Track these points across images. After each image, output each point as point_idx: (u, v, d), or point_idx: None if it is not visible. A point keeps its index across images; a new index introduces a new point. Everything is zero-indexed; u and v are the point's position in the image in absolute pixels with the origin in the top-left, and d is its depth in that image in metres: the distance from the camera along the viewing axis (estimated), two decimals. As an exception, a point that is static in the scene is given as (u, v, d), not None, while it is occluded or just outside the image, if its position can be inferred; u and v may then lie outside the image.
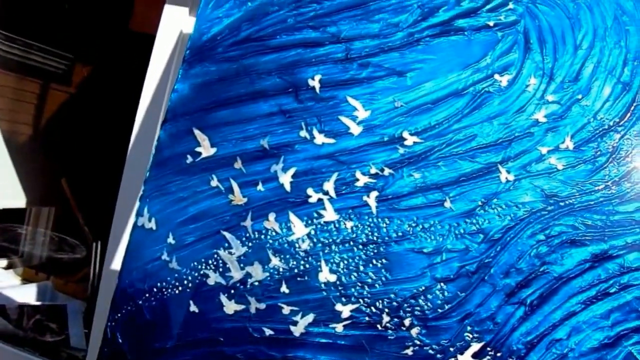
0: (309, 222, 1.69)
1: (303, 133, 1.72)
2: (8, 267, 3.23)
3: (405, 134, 1.73)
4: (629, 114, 1.82)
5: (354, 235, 1.69)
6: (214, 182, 1.71)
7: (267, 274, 1.69)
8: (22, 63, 3.48)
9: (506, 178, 1.73)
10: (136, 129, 2.81)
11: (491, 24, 1.84)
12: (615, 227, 1.75)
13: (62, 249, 3.29)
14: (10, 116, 3.44)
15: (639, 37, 1.89)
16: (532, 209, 1.73)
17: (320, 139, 1.71)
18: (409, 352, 1.69)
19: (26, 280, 3.11)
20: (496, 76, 1.79)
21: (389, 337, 1.69)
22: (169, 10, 2.80)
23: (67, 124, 3.78)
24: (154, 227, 1.72)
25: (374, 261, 1.69)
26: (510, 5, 1.86)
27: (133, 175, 2.66)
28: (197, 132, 1.73)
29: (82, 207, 3.30)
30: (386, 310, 1.68)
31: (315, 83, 1.74)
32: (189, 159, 1.72)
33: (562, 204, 1.74)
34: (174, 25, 2.78)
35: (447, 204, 1.71)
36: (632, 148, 1.80)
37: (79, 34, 3.87)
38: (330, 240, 1.69)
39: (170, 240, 1.71)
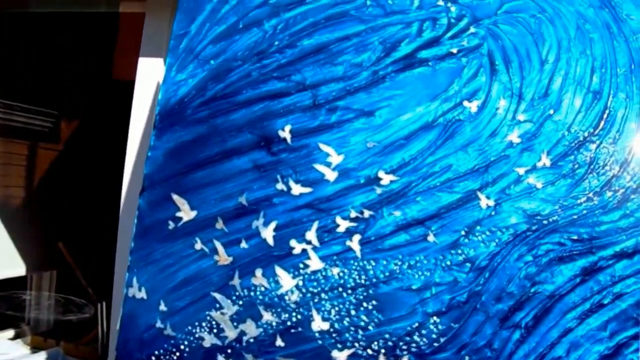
0: (296, 273, 1.73)
1: (280, 185, 1.76)
2: (16, 337, 3.28)
3: (381, 174, 1.76)
4: (602, 122, 1.84)
5: (342, 281, 1.72)
6: (198, 245, 1.75)
7: (261, 329, 1.72)
8: (6, 125, 3.53)
9: (487, 204, 1.76)
10: (126, 183, 2.85)
11: (455, 50, 1.87)
12: (602, 238, 1.78)
13: (70, 310, 3.33)
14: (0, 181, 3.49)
15: (604, 44, 1.91)
16: (516, 232, 1.76)
17: (297, 189, 1.75)
18: (410, 390, 1.72)
19: (35, 348, 3.14)
20: (465, 103, 1.82)
21: (389, 377, 1.72)
22: (143, 64, 2.84)
23: (58, 182, 3.82)
24: (145, 297, 1.76)
25: (365, 304, 1.72)
26: (472, 29, 1.89)
27: (128, 231, 2.69)
28: (175, 197, 1.77)
29: (83, 268, 3.34)
30: (382, 350, 1.72)
31: (285, 134, 1.78)
32: (171, 225, 1.76)
33: (545, 222, 1.77)
34: (150, 78, 2.82)
35: (431, 238, 1.74)
36: (610, 156, 1.82)
37: (60, 89, 3.92)
38: (319, 288, 1.72)
39: (162, 307, 1.75)
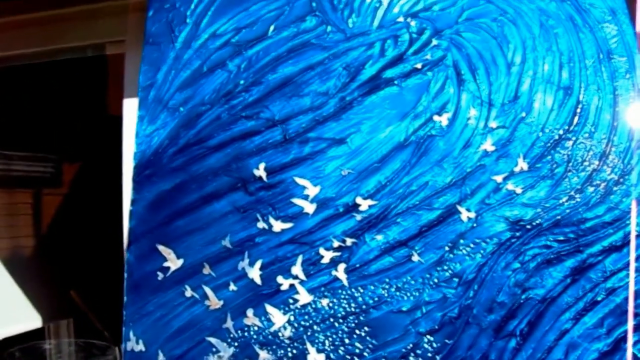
0: (287, 309, 1.77)
1: (261, 224, 1.80)
2: (41, 390, 3.35)
3: (359, 200, 1.80)
4: (576, 118, 1.85)
5: (332, 311, 1.76)
6: (189, 293, 1.80)
7: (259, 368, 1.77)
8: (6, 176, 3.59)
9: (467, 217, 1.79)
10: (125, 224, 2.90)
11: (419, 66, 1.89)
12: (588, 235, 1.79)
13: (93, 354, 3.40)
14: (8, 233, 3.56)
15: (569, 37, 1.92)
16: (500, 240, 1.78)
17: (278, 226, 1.79)
18: (412, 411, 1.76)
19: (62, 398, 3.22)
20: (435, 117, 1.85)
21: (390, 400, 1.76)
22: (127, 103, 2.88)
23: (66, 226, 3.89)
24: (143, 349, 1.82)
25: (357, 331, 1.76)
26: (434, 42, 1.91)
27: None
28: (161, 247, 1.82)
29: (98, 313, 3.40)
30: (381, 375, 1.75)
31: (260, 172, 1.82)
32: (160, 276, 1.81)
33: (529, 227, 1.79)
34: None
35: (415, 258, 1.77)
36: (587, 151, 1.84)
37: (57, 132, 3.98)
38: (311, 321, 1.76)
39: (161, 357, 1.81)
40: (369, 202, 1.80)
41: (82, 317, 3.49)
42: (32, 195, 3.82)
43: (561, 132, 1.85)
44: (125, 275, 1.83)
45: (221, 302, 1.79)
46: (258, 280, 1.78)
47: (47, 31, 2.98)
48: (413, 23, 1.94)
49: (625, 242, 1.79)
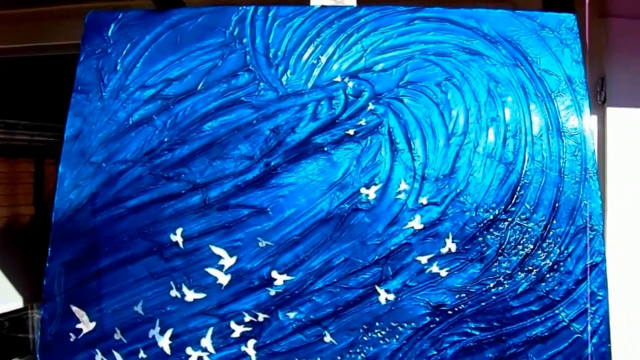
0: (193, 382, 1.90)
1: (174, 292, 1.92)
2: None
3: (275, 274, 1.90)
4: (515, 197, 1.91)
5: (239, 388, 1.89)
6: (99, 357, 1.94)
7: None
8: (10, 145, 3.71)
9: (386, 298, 1.88)
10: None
11: (352, 132, 1.96)
12: (513, 324, 1.87)
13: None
14: (7, 201, 3.70)
15: (519, 106, 1.96)
16: (418, 325, 1.87)
17: (190, 295, 1.91)
18: None
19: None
20: (363, 190, 1.93)
21: None
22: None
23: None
24: (50, 411, 1.97)
25: (263, 411, 1.88)
26: (371, 106, 1.98)
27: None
28: (75, 308, 1.96)
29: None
30: None
31: (177, 237, 1.94)
32: (72, 337, 1.95)
33: (450, 312, 1.88)
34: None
35: (328, 339, 1.88)
36: (523, 234, 1.90)
37: (62, 101, 4.07)
38: (216, 397, 1.89)
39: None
40: (285, 277, 1.90)
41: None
42: (34, 165, 3.94)
43: (497, 212, 1.91)
44: (39, 333, 1.97)
45: (129, 370, 1.93)
46: (167, 350, 1.91)
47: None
48: (351, 84, 2.00)
49: (552, 333, 1.86)
